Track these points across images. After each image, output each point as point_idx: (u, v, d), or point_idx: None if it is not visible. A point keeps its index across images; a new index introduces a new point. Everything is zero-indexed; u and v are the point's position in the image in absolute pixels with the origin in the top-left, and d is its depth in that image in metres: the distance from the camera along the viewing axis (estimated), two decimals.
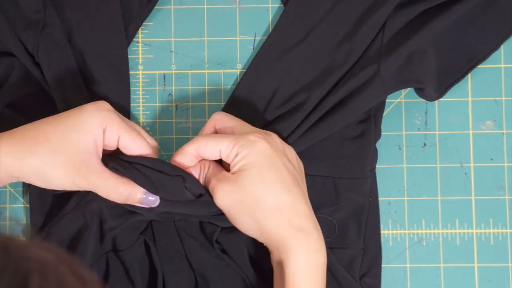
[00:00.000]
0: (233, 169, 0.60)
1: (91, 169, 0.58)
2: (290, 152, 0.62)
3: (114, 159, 0.61)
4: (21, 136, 0.59)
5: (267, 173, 0.59)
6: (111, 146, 0.61)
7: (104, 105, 0.60)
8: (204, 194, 0.61)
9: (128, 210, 0.62)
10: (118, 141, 0.60)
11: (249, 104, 0.67)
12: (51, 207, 0.66)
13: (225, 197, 0.59)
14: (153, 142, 0.63)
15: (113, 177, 0.59)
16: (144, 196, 0.60)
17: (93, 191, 0.60)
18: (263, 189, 0.58)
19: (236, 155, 0.59)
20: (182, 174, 0.60)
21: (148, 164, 0.60)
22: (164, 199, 0.61)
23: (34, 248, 0.39)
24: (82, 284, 0.39)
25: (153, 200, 0.60)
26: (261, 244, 0.61)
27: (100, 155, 0.60)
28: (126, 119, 0.62)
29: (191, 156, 0.61)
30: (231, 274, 0.64)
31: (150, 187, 0.60)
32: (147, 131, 0.65)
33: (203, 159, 0.62)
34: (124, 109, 0.66)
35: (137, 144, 0.61)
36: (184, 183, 0.60)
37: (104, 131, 0.59)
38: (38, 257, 0.38)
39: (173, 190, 0.60)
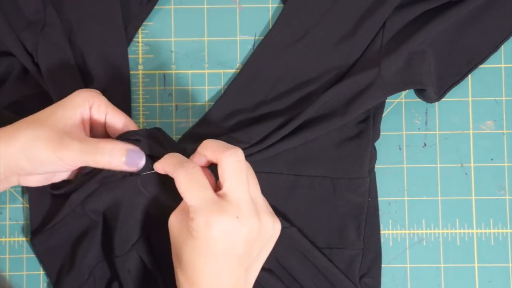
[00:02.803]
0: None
1: (73, 137, 0.58)
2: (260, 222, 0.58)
3: None
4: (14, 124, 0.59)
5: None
6: (99, 124, 0.61)
7: (93, 89, 0.62)
8: None
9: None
10: (105, 119, 0.61)
11: (244, 99, 0.67)
12: (51, 207, 0.66)
13: (175, 222, 0.58)
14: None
15: (96, 140, 0.59)
16: (128, 157, 0.59)
17: (78, 162, 0.59)
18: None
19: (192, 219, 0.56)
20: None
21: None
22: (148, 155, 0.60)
23: None
24: None
25: (137, 160, 0.59)
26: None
27: (87, 131, 0.61)
28: None
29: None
30: None
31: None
32: None
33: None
34: (124, 109, 0.66)
35: (123, 122, 0.62)
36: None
37: (90, 108, 0.60)
38: None
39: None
